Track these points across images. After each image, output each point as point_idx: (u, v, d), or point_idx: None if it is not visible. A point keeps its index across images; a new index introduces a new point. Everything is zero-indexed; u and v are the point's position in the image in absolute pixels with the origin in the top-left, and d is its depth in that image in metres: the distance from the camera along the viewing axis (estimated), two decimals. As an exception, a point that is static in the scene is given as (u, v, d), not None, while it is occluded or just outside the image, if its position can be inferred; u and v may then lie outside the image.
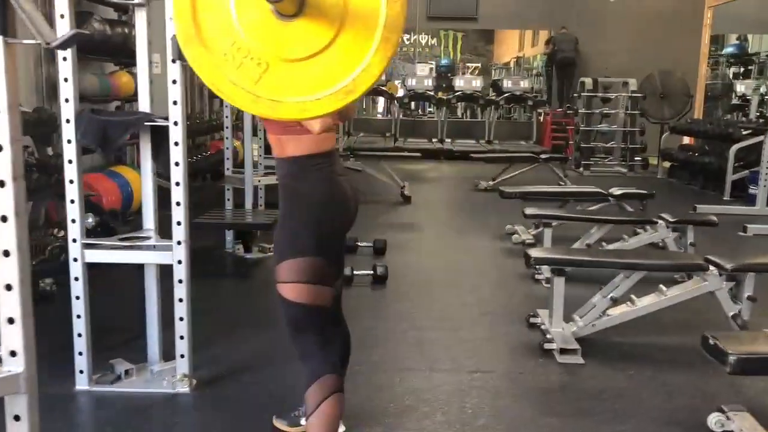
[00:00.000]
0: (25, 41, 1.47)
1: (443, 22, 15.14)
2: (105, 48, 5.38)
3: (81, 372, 2.88)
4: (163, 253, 2.85)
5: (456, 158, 12.03)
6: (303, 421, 2.58)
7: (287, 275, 2.06)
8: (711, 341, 2.44)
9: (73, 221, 2.77)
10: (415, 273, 4.88)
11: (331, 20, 1.36)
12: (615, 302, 3.48)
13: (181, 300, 2.84)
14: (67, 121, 2.71)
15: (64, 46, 1.50)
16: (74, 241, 2.79)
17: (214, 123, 8.33)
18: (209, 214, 4.96)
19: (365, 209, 7.13)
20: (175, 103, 2.69)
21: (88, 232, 3.10)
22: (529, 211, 4.90)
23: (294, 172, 2.08)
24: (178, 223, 2.78)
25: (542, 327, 3.64)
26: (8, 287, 1.56)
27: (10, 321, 1.57)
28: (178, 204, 2.77)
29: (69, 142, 2.73)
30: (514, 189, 5.97)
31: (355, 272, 4.51)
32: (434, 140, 13.15)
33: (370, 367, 3.17)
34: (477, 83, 13.35)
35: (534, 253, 3.62)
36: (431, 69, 13.98)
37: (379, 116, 16.33)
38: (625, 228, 5.09)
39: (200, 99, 8.95)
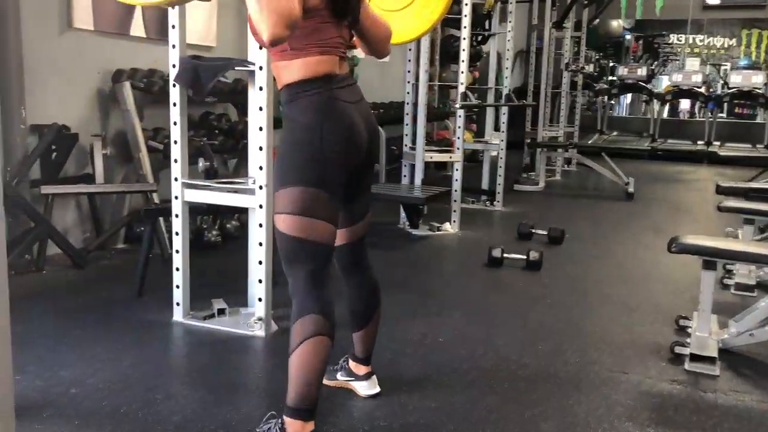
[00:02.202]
0: None
1: (721, 12, 13.45)
2: None
3: (177, 304, 3.08)
4: (249, 197, 2.92)
5: (722, 162, 10.68)
6: (339, 376, 2.47)
7: (279, 205, 1.97)
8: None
9: (176, 161, 2.98)
10: (578, 265, 4.40)
11: None
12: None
13: (260, 244, 2.90)
14: (173, 66, 2.91)
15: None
16: (176, 179, 2.99)
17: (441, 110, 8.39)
18: (377, 187, 4.99)
19: (577, 203, 6.93)
20: (260, 48, 2.75)
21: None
22: (725, 204, 4.10)
23: (290, 99, 1.97)
24: (260, 168, 2.83)
25: (689, 330, 3.03)
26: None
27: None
28: (260, 149, 2.82)
29: (174, 85, 2.93)
30: (734, 185, 5.05)
31: (506, 255, 4.21)
32: (699, 143, 11.76)
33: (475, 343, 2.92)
34: (758, 79, 11.60)
35: (682, 238, 3.01)
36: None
37: (645, 116, 15.05)
38: None
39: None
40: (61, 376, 2.47)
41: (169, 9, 2.87)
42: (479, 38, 6.70)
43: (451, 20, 5.02)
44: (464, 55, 5.06)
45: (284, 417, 1.99)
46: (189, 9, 2.95)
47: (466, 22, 5.00)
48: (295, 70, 1.95)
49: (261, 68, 2.77)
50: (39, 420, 2.14)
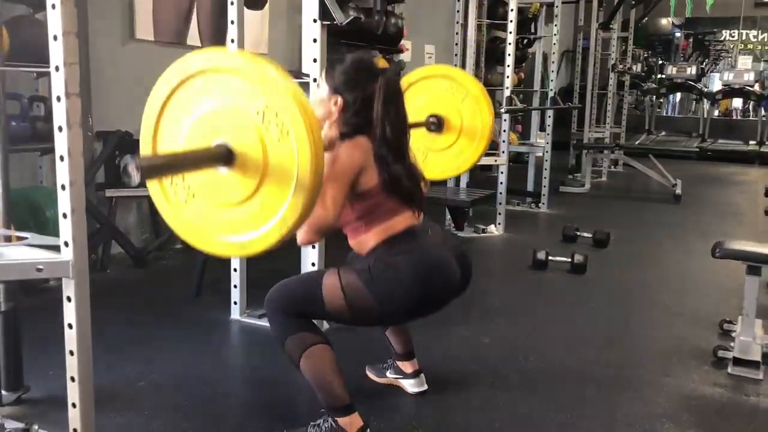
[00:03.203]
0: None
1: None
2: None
3: (235, 303, 3.25)
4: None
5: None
6: (389, 374, 2.59)
7: (346, 280, 2.01)
8: None
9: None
10: (623, 269, 4.44)
11: (252, 177, 1.67)
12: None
13: (313, 246, 3.03)
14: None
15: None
16: (234, 185, 3.15)
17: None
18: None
19: (623, 205, 6.91)
20: (314, 60, 2.88)
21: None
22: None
23: (378, 258, 2.03)
24: (313, 175, 2.97)
25: (733, 335, 3.06)
26: (62, 187, 1.89)
27: (64, 216, 1.90)
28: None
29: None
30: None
31: (550, 258, 4.28)
32: (751, 143, 11.56)
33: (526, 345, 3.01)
34: (815, 77, 11.35)
35: (726, 244, 3.04)
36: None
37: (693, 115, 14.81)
38: None
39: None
40: (128, 370, 2.65)
41: (229, 23, 3.02)
42: (525, 41, 6.74)
43: (496, 23, 5.10)
44: (509, 60, 5.12)
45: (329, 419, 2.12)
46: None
47: (511, 27, 5.07)
48: (373, 237, 2.06)
49: (315, 80, 2.91)
50: (113, 410, 2.31)
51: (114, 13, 4.18)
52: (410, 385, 2.53)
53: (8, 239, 2.03)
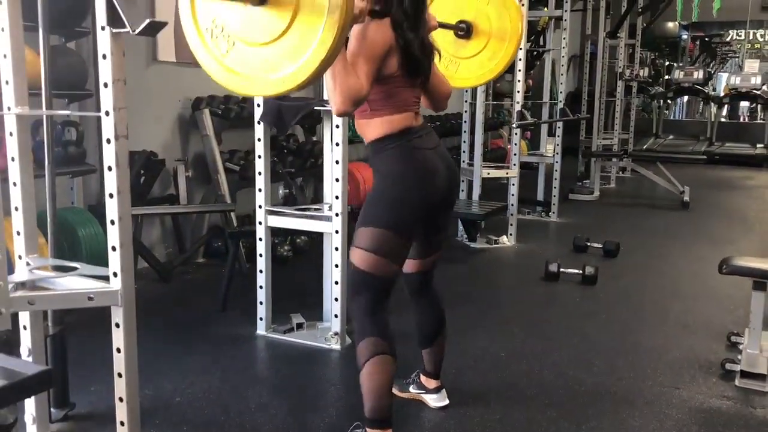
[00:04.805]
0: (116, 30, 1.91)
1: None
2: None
3: (261, 319, 3.39)
4: (325, 223, 3.20)
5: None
6: (412, 389, 2.73)
7: (358, 240, 2.22)
8: None
9: (260, 190, 3.28)
10: (633, 280, 4.57)
11: (285, 13, 1.66)
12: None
13: (336, 266, 3.18)
14: (258, 105, 3.22)
15: (143, 32, 1.92)
16: (260, 207, 3.30)
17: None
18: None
19: (631, 212, 7.02)
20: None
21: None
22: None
23: (375, 152, 2.24)
24: (336, 197, 3.11)
25: (740, 347, 3.18)
26: (112, 222, 2.03)
27: (113, 248, 2.04)
28: (337, 180, 3.11)
29: (259, 123, 3.24)
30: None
31: (562, 269, 4.41)
32: (759, 146, 11.63)
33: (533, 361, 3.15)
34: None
35: (733, 260, 3.17)
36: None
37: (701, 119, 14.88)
38: None
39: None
40: (163, 386, 2.80)
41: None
42: (534, 53, 6.86)
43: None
44: (520, 75, 5.25)
45: (366, 428, 2.27)
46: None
47: (522, 42, 5.18)
48: (376, 127, 2.21)
49: (337, 107, 3.05)
50: (153, 426, 2.46)
51: (137, 36, 4.32)
52: (432, 400, 2.67)
53: (61, 269, 2.17)
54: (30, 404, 2.24)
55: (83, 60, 3.80)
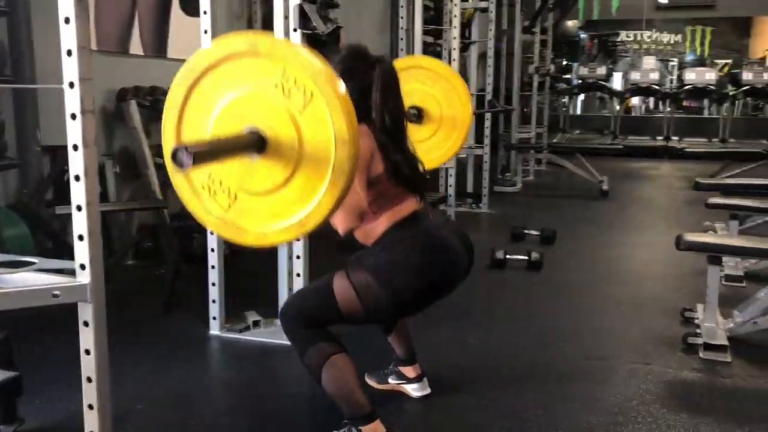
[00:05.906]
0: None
1: (674, 12, 13.99)
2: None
3: (214, 318, 3.18)
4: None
5: (681, 157, 11.12)
6: (391, 380, 2.61)
7: (355, 277, 2.04)
8: None
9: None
10: (575, 265, 4.65)
11: (287, 161, 1.60)
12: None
13: (298, 257, 3.02)
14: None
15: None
16: (211, 198, 3.08)
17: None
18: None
19: (556, 202, 7.19)
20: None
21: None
22: (713, 201, 4.37)
23: (386, 246, 2.09)
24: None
25: (696, 322, 3.27)
26: (78, 208, 1.81)
27: (80, 238, 1.82)
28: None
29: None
30: (713, 181, 5.37)
31: (508, 256, 4.41)
32: (659, 138, 12.26)
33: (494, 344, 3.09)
34: (711, 76, 12.13)
35: (688, 236, 3.24)
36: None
37: (605, 113, 15.53)
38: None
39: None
40: (122, 392, 2.54)
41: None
42: (461, 45, 6.88)
43: (432, 29, 5.21)
44: (455, 65, 5.24)
45: (351, 428, 2.11)
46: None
47: (455, 33, 5.19)
48: (382, 222, 2.09)
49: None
50: (121, 435, 2.23)
51: (55, 22, 3.99)
52: (414, 390, 2.56)
53: (14, 265, 1.92)
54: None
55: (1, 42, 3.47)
